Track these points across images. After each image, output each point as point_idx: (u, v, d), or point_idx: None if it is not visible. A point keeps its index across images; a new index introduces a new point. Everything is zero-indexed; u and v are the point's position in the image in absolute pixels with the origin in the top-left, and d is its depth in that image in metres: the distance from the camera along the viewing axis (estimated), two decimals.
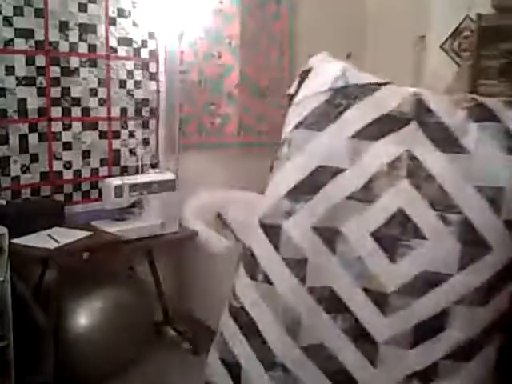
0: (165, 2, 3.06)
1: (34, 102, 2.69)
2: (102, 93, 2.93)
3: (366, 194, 1.52)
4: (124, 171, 3.08)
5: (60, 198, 2.85)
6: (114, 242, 2.65)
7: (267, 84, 3.62)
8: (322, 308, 1.53)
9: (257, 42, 3.55)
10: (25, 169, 2.71)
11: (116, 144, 3.04)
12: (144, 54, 3.08)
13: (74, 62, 2.80)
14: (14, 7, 2.57)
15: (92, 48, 2.86)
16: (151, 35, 3.09)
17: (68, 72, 2.79)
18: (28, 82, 2.66)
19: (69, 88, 2.80)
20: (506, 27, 2.96)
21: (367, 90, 1.60)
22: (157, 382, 2.78)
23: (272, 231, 1.58)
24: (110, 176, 2.97)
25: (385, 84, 1.63)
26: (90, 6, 2.82)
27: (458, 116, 1.53)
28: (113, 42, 2.94)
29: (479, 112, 1.52)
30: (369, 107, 1.57)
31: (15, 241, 2.40)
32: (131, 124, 3.09)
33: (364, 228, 1.52)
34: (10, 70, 2.60)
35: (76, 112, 2.85)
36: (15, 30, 2.59)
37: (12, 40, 2.59)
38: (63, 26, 2.74)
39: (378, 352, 1.51)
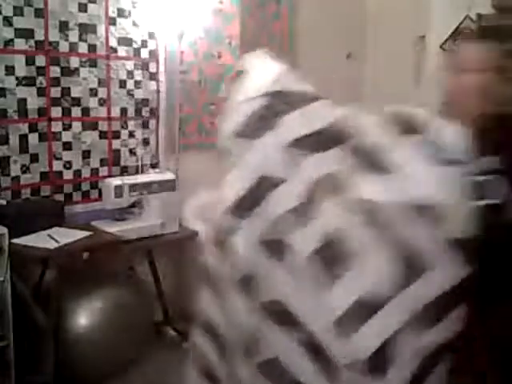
0: (165, 2, 3.06)
1: (34, 102, 2.69)
2: (102, 93, 2.93)
3: (304, 210, 1.44)
4: (124, 171, 3.08)
5: (60, 198, 2.85)
6: (114, 242, 2.65)
7: None
8: (276, 323, 1.46)
9: (257, 42, 3.55)
10: (25, 169, 2.71)
11: (116, 144, 3.04)
12: (144, 53, 3.08)
13: (74, 61, 2.81)
14: (14, 7, 2.57)
15: (92, 48, 2.86)
16: (151, 35, 3.10)
17: (68, 72, 2.79)
18: (28, 81, 2.66)
19: (69, 88, 2.81)
20: (506, 27, 2.96)
21: (304, 98, 1.51)
22: (157, 382, 2.78)
23: (220, 246, 1.52)
24: (110, 176, 2.97)
25: (319, 98, 1.54)
26: (90, 6, 2.82)
27: (386, 134, 1.45)
28: (113, 42, 2.94)
29: (406, 126, 1.44)
30: (306, 117, 1.49)
31: (15, 241, 2.40)
32: (131, 124, 3.09)
33: (304, 246, 1.44)
34: (9, 69, 2.60)
35: (76, 112, 2.85)
36: (15, 29, 2.59)
37: (12, 40, 2.59)
38: (63, 26, 2.74)
39: (334, 369, 1.42)
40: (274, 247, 1.45)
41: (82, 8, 2.80)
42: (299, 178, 1.44)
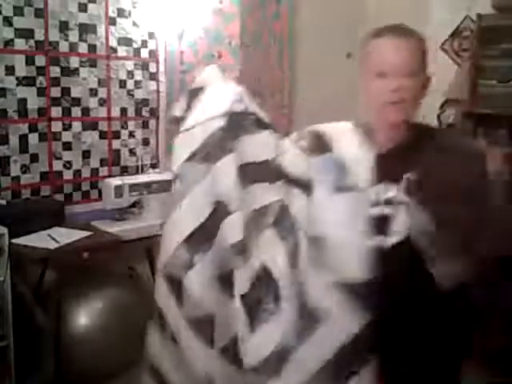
0: (165, 2, 3.06)
1: (34, 102, 2.69)
2: (102, 93, 2.93)
3: (245, 244, 1.29)
4: (124, 171, 3.08)
5: (60, 198, 2.85)
6: (113, 242, 2.65)
7: (267, 84, 3.62)
8: (235, 366, 1.31)
9: (257, 42, 3.55)
10: (25, 169, 2.71)
11: (116, 144, 3.04)
12: (144, 53, 3.08)
13: (74, 61, 2.81)
14: (14, 7, 2.57)
15: (92, 48, 2.86)
16: (151, 35, 3.10)
17: (68, 72, 2.79)
18: (28, 81, 2.66)
19: (69, 88, 2.81)
20: (506, 27, 2.96)
21: (259, 123, 1.37)
22: None
23: (174, 285, 1.38)
24: (110, 176, 2.97)
25: (270, 126, 1.40)
26: (90, 6, 2.83)
27: (302, 157, 1.30)
28: (113, 42, 2.94)
29: (316, 145, 1.28)
30: (259, 145, 1.35)
31: (15, 241, 2.40)
32: (131, 124, 3.09)
33: (238, 289, 1.28)
34: (9, 69, 2.60)
35: (76, 112, 2.85)
36: (15, 29, 2.59)
37: (12, 40, 2.59)
38: (63, 26, 2.74)
39: None
40: (227, 281, 1.31)
41: (82, 8, 2.80)
42: (246, 207, 1.30)
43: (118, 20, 2.95)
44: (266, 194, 1.31)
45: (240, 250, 1.29)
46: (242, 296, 1.27)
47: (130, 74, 3.04)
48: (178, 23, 3.11)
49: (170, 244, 1.40)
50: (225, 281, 1.32)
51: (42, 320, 2.40)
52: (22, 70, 2.63)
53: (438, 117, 3.31)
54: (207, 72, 1.51)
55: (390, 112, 1.32)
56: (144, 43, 3.07)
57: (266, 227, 1.29)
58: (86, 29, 2.82)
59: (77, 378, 2.51)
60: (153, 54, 3.12)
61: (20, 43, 2.61)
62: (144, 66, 3.09)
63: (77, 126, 2.87)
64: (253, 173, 1.33)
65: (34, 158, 2.74)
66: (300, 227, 1.25)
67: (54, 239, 2.50)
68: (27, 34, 2.63)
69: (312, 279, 1.21)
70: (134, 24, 3.02)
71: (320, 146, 1.27)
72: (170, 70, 3.17)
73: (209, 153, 1.35)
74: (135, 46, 3.04)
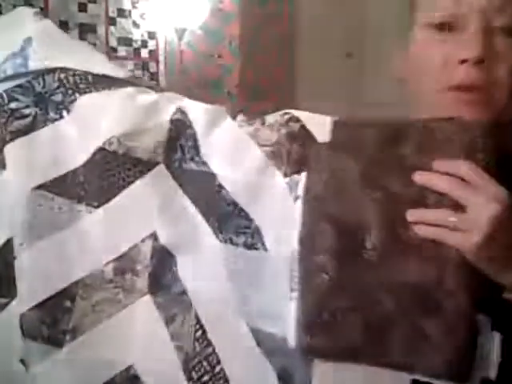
0: (165, 1, 3.06)
1: None
2: None
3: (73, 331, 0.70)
4: None
5: None
6: None
7: (267, 84, 3.62)
8: None
9: (257, 42, 3.55)
10: None
11: None
12: (144, 54, 3.08)
13: None
14: (14, 7, 2.57)
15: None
16: (151, 35, 3.10)
17: None
18: None
19: None
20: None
21: (96, 82, 0.77)
22: None
23: None
24: None
25: (133, 84, 0.80)
26: (90, 6, 2.83)
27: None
28: (113, 42, 2.94)
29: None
30: (90, 125, 0.75)
31: None
32: None
33: None
34: None
35: None
36: None
37: None
38: (63, 26, 2.74)
39: None
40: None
41: (82, 8, 2.80)
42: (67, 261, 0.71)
43: (118, 20, 2.95)
44: (128, 226, 0.71)
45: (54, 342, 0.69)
46: None
47: (130, 74, 3.04)
48: (178, 23, 3.11)
49: None
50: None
51: None
52: None
53: None
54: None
55: (459, 105, 0.64)
56: (144, 43, 3.07)
57: (141, 295, 0.70)
58: (85, 29, 2.82)
59: None
60: (153, 54, 3.12)
61: None
62: (144, 66, 3.09)
63: None
64: (86, 186, 0.72)
65: None
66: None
67: None
68: None
69: None
70: (134, 24, 3.02)
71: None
72: (169, 70, 3.17)
73: None
74: (135, 45, 3.04)
